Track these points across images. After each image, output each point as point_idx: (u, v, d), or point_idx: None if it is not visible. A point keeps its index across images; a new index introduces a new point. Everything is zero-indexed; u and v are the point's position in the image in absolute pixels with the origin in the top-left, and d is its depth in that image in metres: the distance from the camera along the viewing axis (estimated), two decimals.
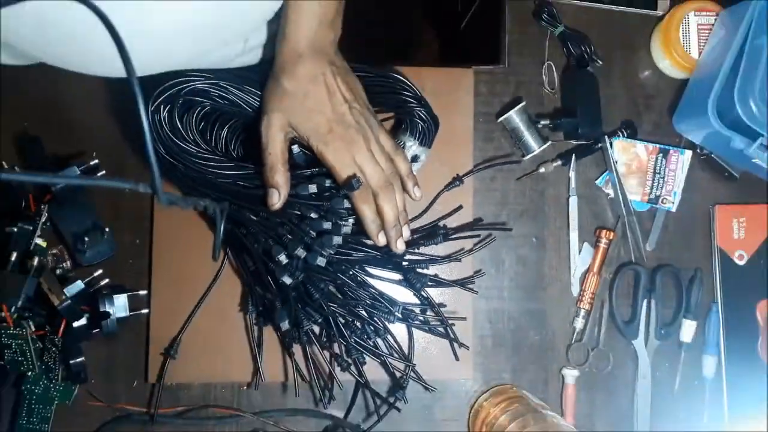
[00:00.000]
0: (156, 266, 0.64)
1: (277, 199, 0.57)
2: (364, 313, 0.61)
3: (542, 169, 0.68)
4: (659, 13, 0.70)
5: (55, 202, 0.61)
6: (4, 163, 0.63)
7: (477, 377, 0.67)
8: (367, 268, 0.63)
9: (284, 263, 0.57)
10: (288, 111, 0.56)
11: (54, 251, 0.62)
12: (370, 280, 0.62)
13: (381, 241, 0.59)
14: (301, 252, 0.57)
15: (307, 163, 0.60)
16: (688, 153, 0.69)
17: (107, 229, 0.62)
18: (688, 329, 0.68)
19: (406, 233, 0.61)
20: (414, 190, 0.61)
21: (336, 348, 0.61)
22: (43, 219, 0.60)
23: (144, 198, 0.64)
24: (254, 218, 0.59)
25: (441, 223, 0.66)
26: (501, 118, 0.68)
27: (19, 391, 0.60)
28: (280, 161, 0.56)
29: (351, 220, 0.60)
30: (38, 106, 0.64)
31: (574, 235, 0.68)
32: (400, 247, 0.60)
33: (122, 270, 0.64)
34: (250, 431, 0.63)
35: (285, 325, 0.58)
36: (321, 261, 0.57)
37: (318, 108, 0.55)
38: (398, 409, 0.62)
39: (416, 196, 0.61)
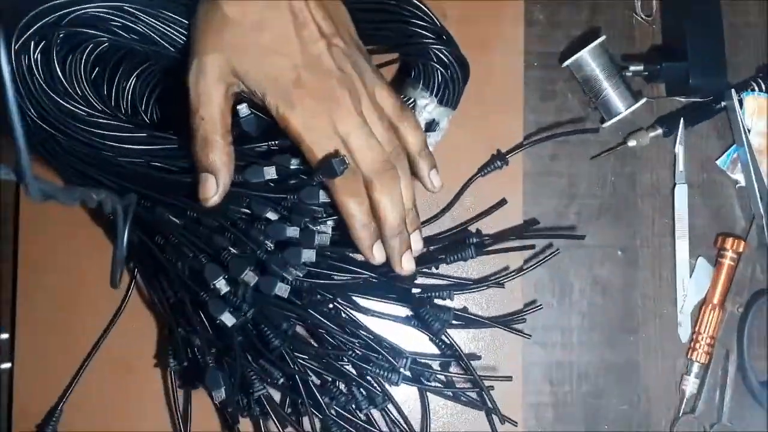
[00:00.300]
0: (23, 295, 0.59)
1: (213, 190, 0.53)
2: (351, 369, 0.56)
3: (632, 143, 0.64)
4: None
5: None
6: None
7: None
8: (356, 299, 0.58)
9: (224, 292, 0.52)
10: (232, 51, 0.51)
11: None
12: (361, 318, 0.57)
13: (377, 256, 0.54)
14: (250, 276, 0.52)
15: (261, 132, 0.56)
16: None
17: None
18: None
19: (417, 244, 0.56)
20: (430, 175, 0.56)
21: (306, 424, 0.56)
22: None
23: (4, 188, 0.61)
24: (177, 221, 0.54)
25: (472, 228, 0.62)
26: (567, 62, 0.63)
27: None
28: (219, 130, 0.52)
29: (330, 224, 0.55)
30: None
31: (682, 246, 0.64)
32: (406, 266, 0.55)
33: None
34: None
35: (221, 393, 0.52)
36: (283, 289, 0.53)
37: (279, 47, 0.51)
38: None
39: (433, 185, 0.57)
